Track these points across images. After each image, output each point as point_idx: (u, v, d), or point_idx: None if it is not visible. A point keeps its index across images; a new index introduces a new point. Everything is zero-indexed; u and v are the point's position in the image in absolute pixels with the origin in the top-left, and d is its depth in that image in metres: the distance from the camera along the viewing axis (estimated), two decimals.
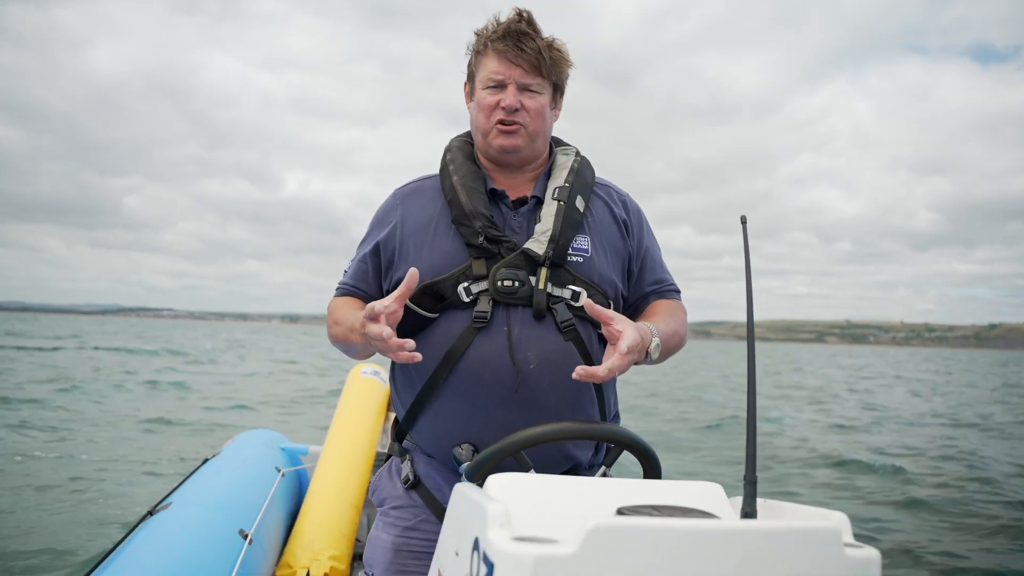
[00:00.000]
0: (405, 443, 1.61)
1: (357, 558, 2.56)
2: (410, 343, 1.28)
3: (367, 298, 1.62)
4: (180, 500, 2.11)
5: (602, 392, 1.56)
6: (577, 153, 1.68)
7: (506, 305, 1.47)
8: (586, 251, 1.54)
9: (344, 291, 1.68)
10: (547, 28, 1.59)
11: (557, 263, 1.49)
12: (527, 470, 1.24)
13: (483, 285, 1.47)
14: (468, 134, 1.70)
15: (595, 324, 1.49)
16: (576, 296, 1.49)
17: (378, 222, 1.66)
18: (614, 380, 1.62)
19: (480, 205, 1.51)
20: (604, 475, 1.43)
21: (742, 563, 0.77)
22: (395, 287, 1.50)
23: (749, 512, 1.00)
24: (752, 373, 1.06)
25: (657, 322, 1.46)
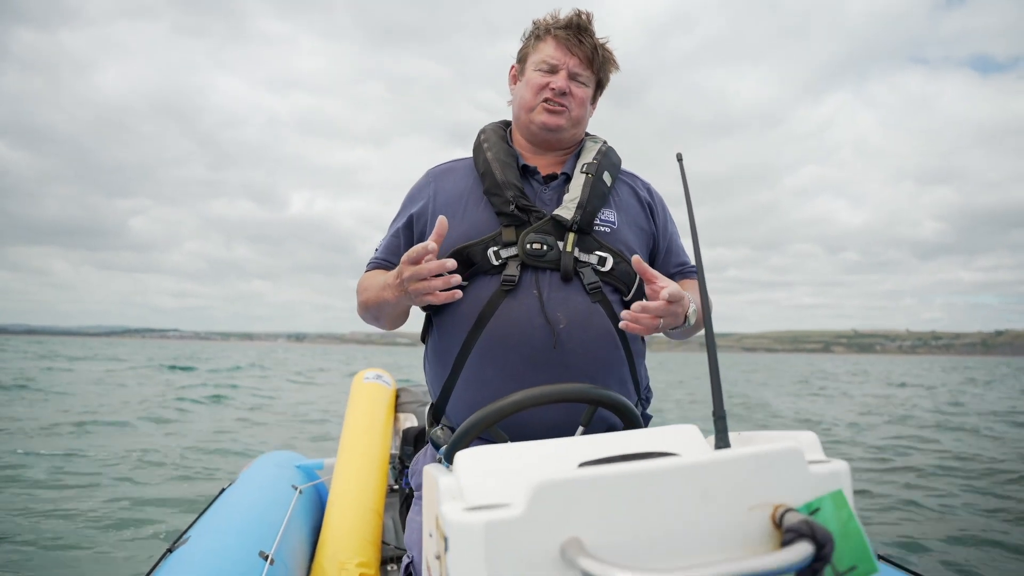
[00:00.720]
0: (442, 424, 1.63)
1: (387, 561, 2.57)
2: (455, 279, 1.33)
3: (383, 267, 1.69)
4: (198, 533, 2.12)
5: (632, 357, 1.60)
6: (605, 142, 1.77)
7: (534, 269, 1.53)
8: (613, 223, 1.62)
9: (375, 265, 1.75)
10: None
11: (584, 230, 1.56)
12: (503, 442, 1.23)
13: (512, 251, 1.54)
14: (501, 122, 1.81)
15: (620, 290, 1.57)
16: (603, 261, 1.56)
17: (411, 199, 1.75)
18: (644, 351, 1.70)
19: (512, 177, 1.60)
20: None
21: (702, 496, 0.76)
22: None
23: (722, 446, 0.98)
24: (707, 312, 1.04)
25: (692, 295, 1.51)
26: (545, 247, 1.52)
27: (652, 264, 1.71)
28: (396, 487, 2.85)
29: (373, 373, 3.21)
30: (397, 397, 3.19)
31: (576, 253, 1.54)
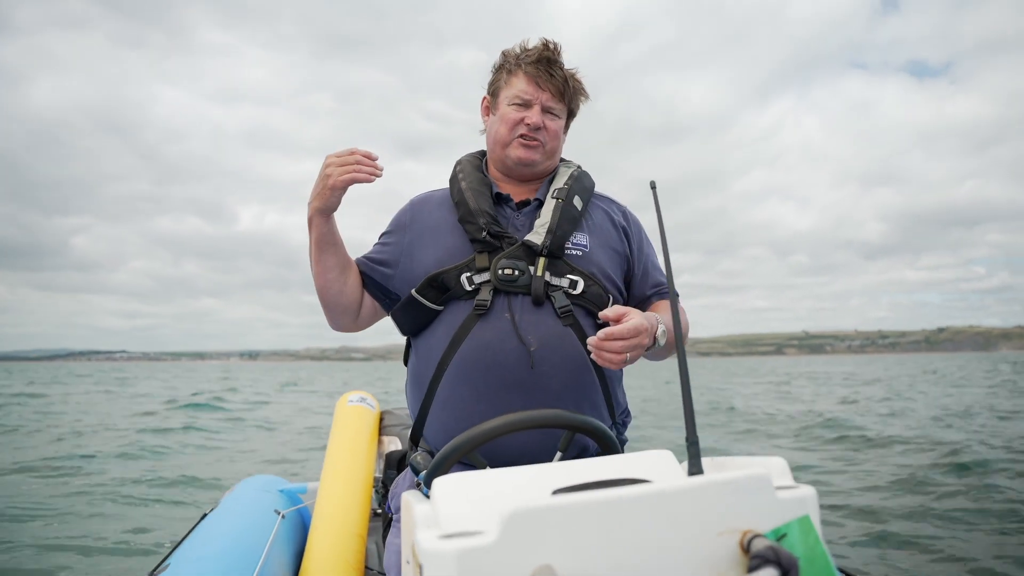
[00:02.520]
0: (420, 446, 1.65)
1: None
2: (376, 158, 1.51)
3: (359, 263, 1.78)
4: (177, 560, 2.10)
5: (606, 381, 1.63)
6: (579, 167, 1.82)
7: (507, 293, 1.57)
8: (585, 246, 1.65)
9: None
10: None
11: (555, 254, 1.60)
12: (482, 468, 1.24)
13: (485, 276, 1.58)
14: (478, 153, 1.85)
15: (592, 313, 1.60)
16: (574, 284, 1.59)
17: (395, 223, 1.81)
18: (620, 374, 1.72)
19: (485, 205, 1.64)
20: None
21: (671, 523, 0.77)
22: (398, 286, 1.69)
23: (695, 472, 1.00)
24: (680, 340, 1.06)
25: (662, 316, 1.56)
26: (516, 272, 1.56)
27: (628, 286, 1.77)
28: (380, 511, 2.84)
29: (357, 396, 3.20)
30: (381, 420, 3.19)
31: (547, 277, 1.57)
